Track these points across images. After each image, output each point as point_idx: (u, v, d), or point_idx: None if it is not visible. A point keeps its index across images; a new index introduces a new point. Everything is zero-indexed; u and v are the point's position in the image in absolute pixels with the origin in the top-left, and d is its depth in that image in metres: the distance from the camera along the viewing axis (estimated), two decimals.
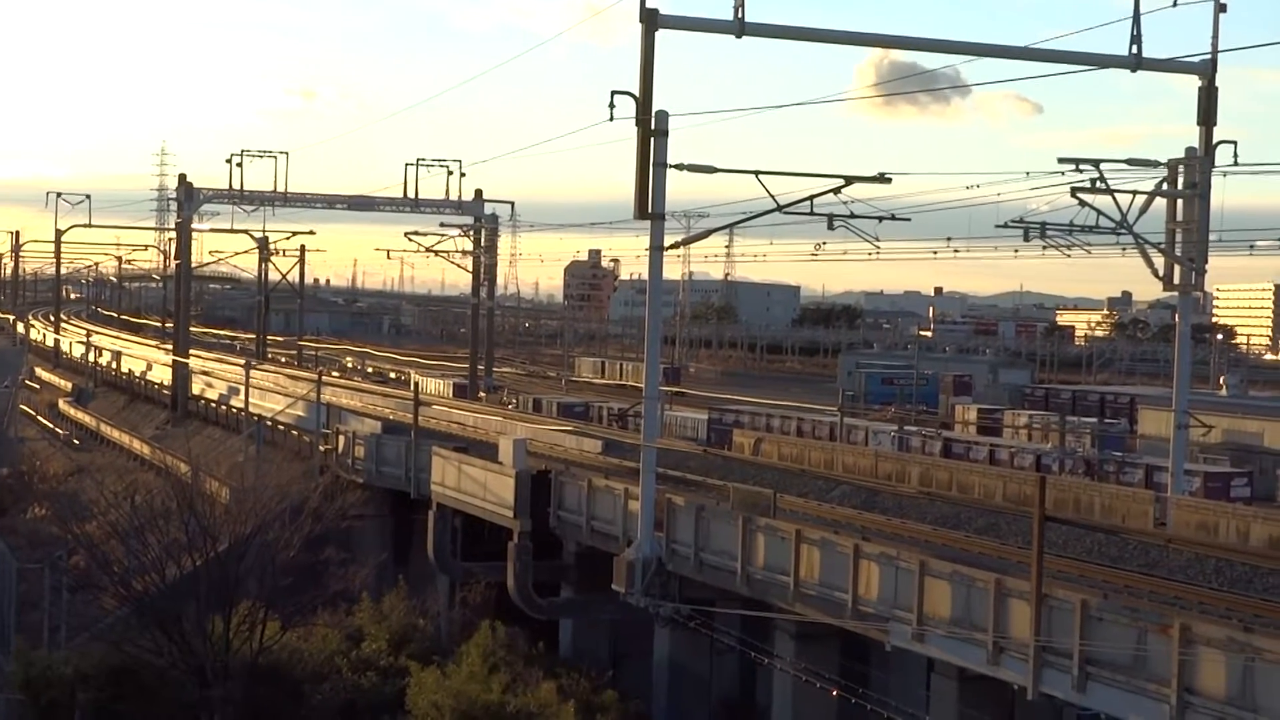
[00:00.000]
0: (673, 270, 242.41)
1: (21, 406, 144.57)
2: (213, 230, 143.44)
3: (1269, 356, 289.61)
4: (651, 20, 46.98)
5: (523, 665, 50.74)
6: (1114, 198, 51.43)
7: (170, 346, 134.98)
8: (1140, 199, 52.22)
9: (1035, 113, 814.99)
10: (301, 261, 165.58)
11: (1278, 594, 40.91)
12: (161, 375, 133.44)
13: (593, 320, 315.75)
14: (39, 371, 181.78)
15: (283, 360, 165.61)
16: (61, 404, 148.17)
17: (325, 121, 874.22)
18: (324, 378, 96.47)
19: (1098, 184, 50.53)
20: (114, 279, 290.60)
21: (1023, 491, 56.99)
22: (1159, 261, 53.54)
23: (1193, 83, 52.73)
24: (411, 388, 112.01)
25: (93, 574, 57.63)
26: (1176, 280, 53.46)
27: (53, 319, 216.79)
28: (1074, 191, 50.36)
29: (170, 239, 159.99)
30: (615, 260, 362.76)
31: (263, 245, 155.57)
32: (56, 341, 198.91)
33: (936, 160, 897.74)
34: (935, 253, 67.57)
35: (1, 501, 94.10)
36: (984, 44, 53.20)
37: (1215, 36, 51.60)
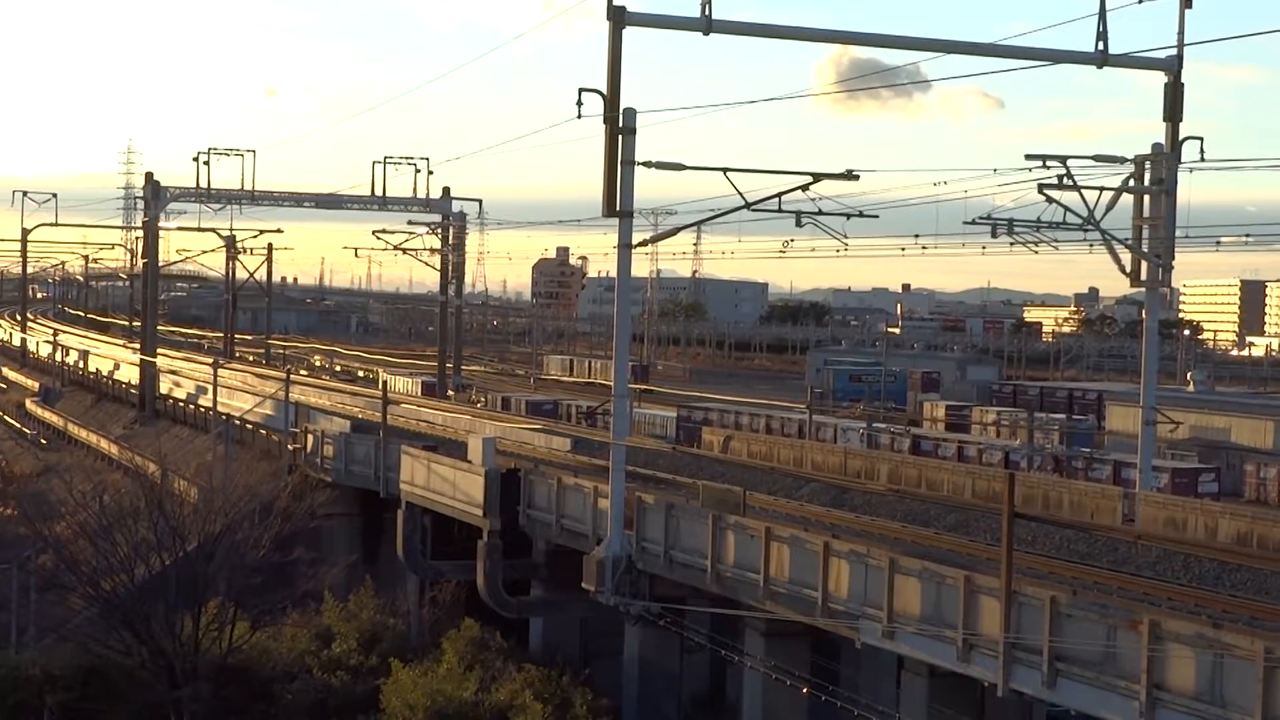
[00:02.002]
0: (641, 267, 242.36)
1: None
2: (180, 229, 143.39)
3: (1236, 352, 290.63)
4: (619, 18, 46.96)
5: (498, 662, 50.64)
6: (1081, 194, 51.54)
7: (138, 345, 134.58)
8: (1107, 195, 52.34)
9: (998, 108, 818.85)
10: (269, 260, 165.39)
11: (1246, 590, 41.05)
12: (129, 374, 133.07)
13: (561, 318, 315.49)
14: (5, 371, 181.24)
15: (251, 359, 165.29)
16: (28, 403, 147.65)
17: (288, 120, 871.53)
18: (292, 376, 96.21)
19: (1065, 180, 50.62)
20: (81, 278, 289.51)
21: (991, 488, 57.08)
22: (1126, 258, 53.68)
23: (1158, 78, 52.89)
24: (380, 386, 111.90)
25: (61, 574, 57.48)
26: (1144, 276, 53.61)
27: (19, 318, 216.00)
28: (1041, 188, 50.44)
29: (137, 238, 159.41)
30: (583, 258, 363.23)
31: (230, 244, 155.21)
32: (23, 341, 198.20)
33: (900, 156, 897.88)
34: (903, 249, 67.51)
35: None
36: (950, 40, 53.22)
37: (1181, 32, 51.76)
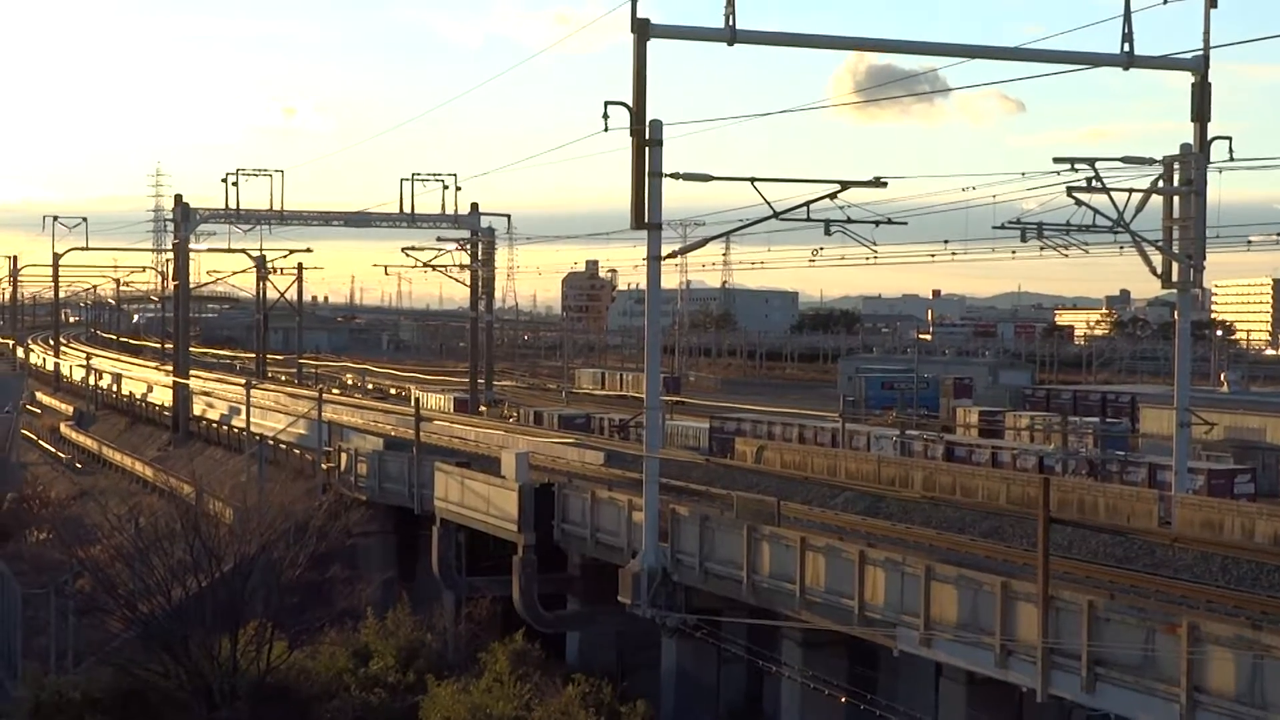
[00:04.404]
0: (670, 279, 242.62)
1: (23, 431, 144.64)
2: (210, 250, 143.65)
3: (1269, 352, 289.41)
4: (643, 31, 47.01)
5: (537, 676, 50.57)
6: (1110, 196, 51.44)
7: (170, 368, 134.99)
8: (1136, 197, 52.23)
9: (1018, 111, 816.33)
10: (299, 279, 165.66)
11: None
12: (162, 397, 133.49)
13: (591, 331, 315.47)
14: (40, 396, 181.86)
15: (283, 379, 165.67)
16: (63, 428, 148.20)
17: (307, 139, 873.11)
18: (325, 395, 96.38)
19: (1093, 183, 50.52)
20: (112, 301, 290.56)
21: (1026, 493, 56.97)
22: (1157, 259, 53.55)
23: (1181, 79, 52.77)
24: (412, 403, 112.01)
25: (98, 597, 57.57)
26: (1175, 277, 53.48)
27: (52, 343, 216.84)
28: (1070, 191, 50.36)
29: (168, 260, 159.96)
30: (613, 270, 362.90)
31: (260, 264, 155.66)
32: (56, 365, 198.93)
33: (923, 161, 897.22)
34: (933, 255, 67.61)
35: (5, 527, 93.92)
36: (975, 45, 53.21)
37: (1206, 32, 51.66)
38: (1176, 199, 52.41)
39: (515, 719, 46.73)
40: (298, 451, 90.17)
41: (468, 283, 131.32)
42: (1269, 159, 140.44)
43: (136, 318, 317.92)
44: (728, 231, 54.21)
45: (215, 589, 53.19)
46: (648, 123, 47.24)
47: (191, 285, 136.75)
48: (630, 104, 47.17)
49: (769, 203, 49.02)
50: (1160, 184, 52.32)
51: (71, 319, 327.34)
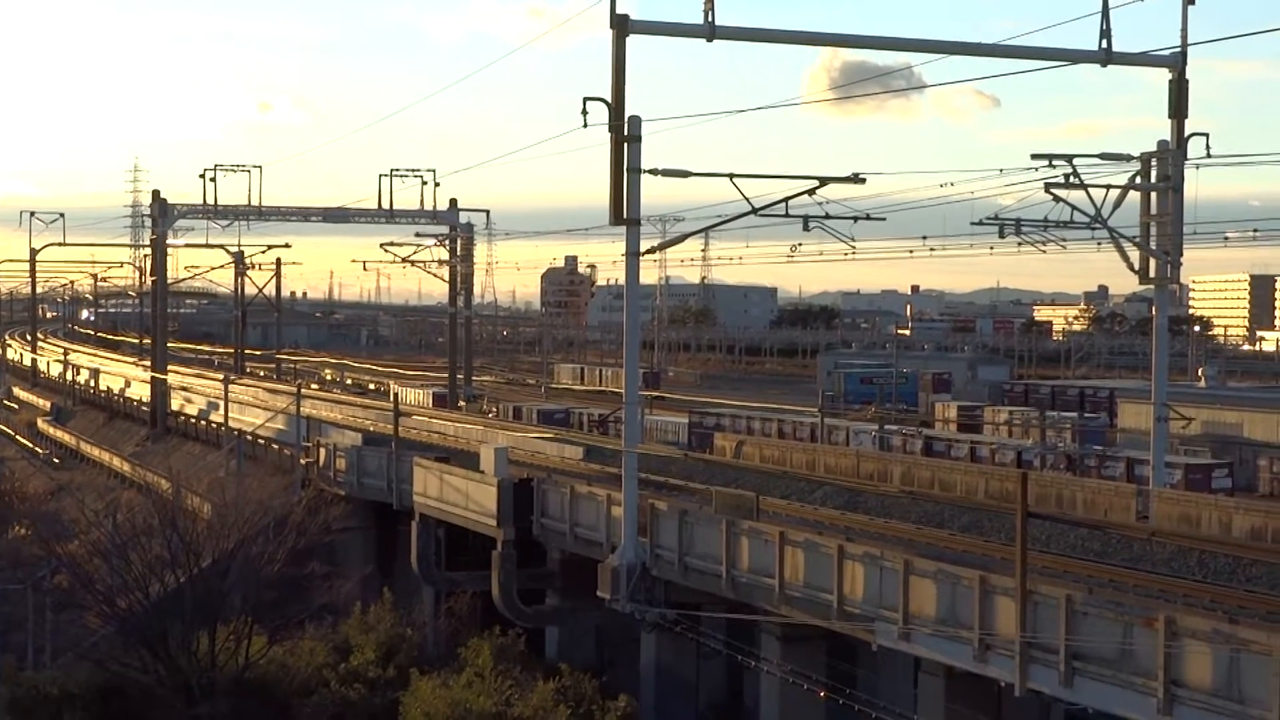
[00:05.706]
0: (649, 274, 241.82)
1: (0, 426, 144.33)
2: (188, 246, 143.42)
3: (1246, 347, 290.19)
4: (623, 26, 47.00)
5: (517, 671, 50.58)
6: (1088, 192, 51.48)
7: (148, 363, 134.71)
8: (1114, 193, 52.28)
9: (993, 106, 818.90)
10: (278, 275, 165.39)
11: (1261, 585, 41.00)
12: (140, 392, 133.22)
13: (571, 326, 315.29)
14: (17, 391, 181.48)
15: (261, 374, 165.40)
16: (40, 423, 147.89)
17: (286, 134, 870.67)
18: (303, 391, 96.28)
19: (1071, 179, 50.59)
20: (90, 297, 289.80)
21: (1005, 488, 57.00)
22: (1134, 255, 53.61)
23: (1158, 74, 52.87)
24: (391, 399, 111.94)
25: (76, 593, 57.58)
26: (1152, 273, 53.57)
27: (29, 338, 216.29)
28: (1048, 187, 50.41)
29: (146, 255, 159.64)
30: (592, 266, 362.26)
31: (239, 259, 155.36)
32: (34, 360, 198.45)
33: (901, 157, 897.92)
34: (911, 251, 67.57)
35: None
36: (953, 42, 53.27)
37: (1184, 29, 51.72)
38: (1154, 195, 52.49)
39: (496, 714, 46.74)
40: (276, 447, 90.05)
41: (447, 278, 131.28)
42: (1246, 155, 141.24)
43: (85, 313, 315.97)
44: (707, 227, 54.37)
45: (193, 584, 53.22)
46: (627, 119, 47.23)
47: (170, 281, 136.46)
48: (609, 100, 47.16)
49: (748, 198, 49.08)
50: (1138, 180, 52.39)
51: (49, 314, 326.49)
